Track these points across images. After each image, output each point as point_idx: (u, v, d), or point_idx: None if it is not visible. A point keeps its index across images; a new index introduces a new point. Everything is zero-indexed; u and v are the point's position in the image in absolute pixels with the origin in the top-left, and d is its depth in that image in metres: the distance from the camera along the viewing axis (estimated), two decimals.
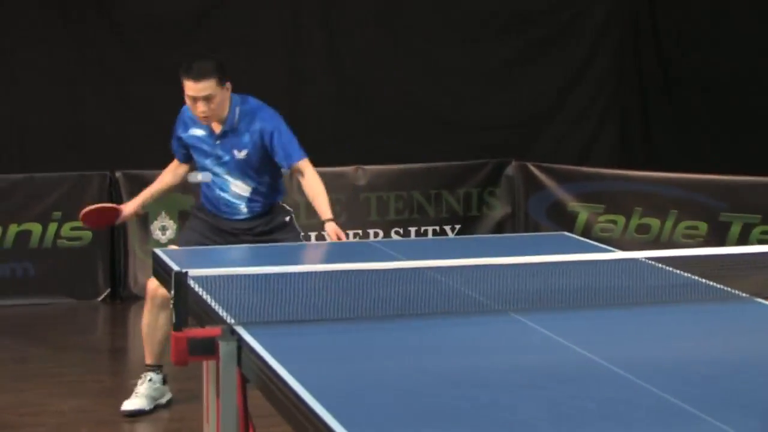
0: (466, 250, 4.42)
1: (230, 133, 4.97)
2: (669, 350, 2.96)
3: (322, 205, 4.86)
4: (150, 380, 5.21)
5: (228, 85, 4.94)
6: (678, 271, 3.66)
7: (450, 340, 3.09)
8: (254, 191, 5.03)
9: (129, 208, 5.33)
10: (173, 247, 5.12)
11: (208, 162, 5.05)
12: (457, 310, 3.30)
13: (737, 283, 3.51)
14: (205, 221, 5.13)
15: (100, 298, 7.40)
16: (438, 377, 2.72)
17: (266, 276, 3.40)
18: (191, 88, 4.88)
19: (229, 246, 4.92)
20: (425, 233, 7.90)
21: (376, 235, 7.75)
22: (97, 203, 5.55)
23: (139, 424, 5.11)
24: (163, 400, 5.26)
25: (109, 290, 7.44)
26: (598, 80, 8.72)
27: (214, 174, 5.06)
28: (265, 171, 5.01)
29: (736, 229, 7.15)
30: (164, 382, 5.25)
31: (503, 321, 3.23)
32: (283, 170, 5.04)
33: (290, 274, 3.49)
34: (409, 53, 8.36)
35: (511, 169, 8.04)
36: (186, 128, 5.10)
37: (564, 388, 2.61)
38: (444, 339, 3.10)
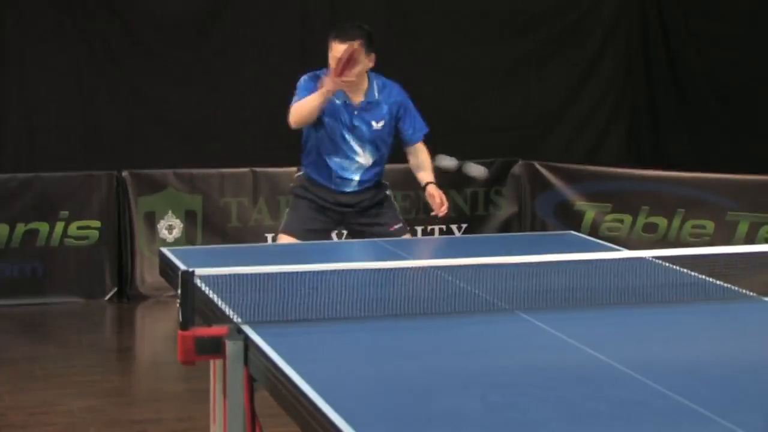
0: (473, 250, 4.42)
1: (371, 104, 5.10)
2: (677, 350, 2.95)
3: (429, 171, 5.22)
4: None
5: (372, 56, 5.05)
6: (685, 271, 3.66)
7: (458, 340, 3.08)
8: (375, 163, 5.19)
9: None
10: (285, 236, 5.13)
11: (339, 130, 5.09)
12: (465, 309, 3.30)
13: (745, 283, 3.51)
14: (310, 201, 5.17)
15: (107, 298, 7.41)
16: (447, 377, 2.71)
17: (273, 275, 3.40)
18: (338, 49, 4.94)
19: (235, 246, 4.93)
20: (432, 232, 7.90)
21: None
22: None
23: (146, 424, 5.12)
24: None
25: (116, 289, 7.44)
26: (607, 80, 8.70)
27: (342, 143, 5.10)
28: (387, 144, 5.21)
29: (743, 228, 7.13)
30: None
31: (511, 320, 3.23)
32: (412, 143, 5.23)
33: (297, 273, 3.49)
34: (417, 53, 8.35)
35: (517, 169, 8.03)
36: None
37: (574, 388, 2.60)
38: (452, 338, 3.10)
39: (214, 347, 3.04)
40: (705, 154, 8.22)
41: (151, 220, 7.51)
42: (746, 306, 3.40)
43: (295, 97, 5.08)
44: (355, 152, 5.12)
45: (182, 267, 3.50)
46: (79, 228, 7.39)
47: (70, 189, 7.38)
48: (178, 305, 3.18)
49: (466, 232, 7.93)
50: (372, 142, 5.13)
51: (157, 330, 7.22)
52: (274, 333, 3.02)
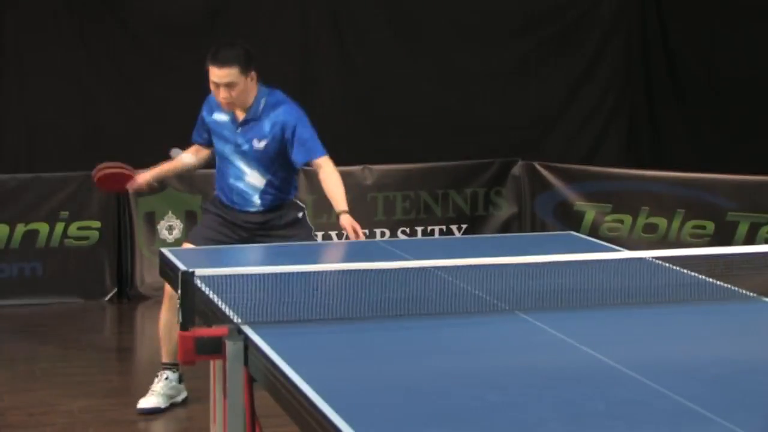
0: (473, 250, 4.42)
1: (252, 122, 4.98)
2: (677, 350, 2.95)
3: (338, 197, 4.83)
4: (166, 378, 5.21)
5: (252, 74, 4.95)
6: (685, 271, 3.66)
7: (457, 340, 3.09)
8: (269, 183, 5.02)
9: (143, 176, 5.31)
10: (187, 244, 5.12)
11: (227, 148, 5.05)
12: (465, 309, 3.30)
13: (744, 283, 3.51)
14: (216, 215, 5.12)
15: (107, 298, 7.41)
16: (446, 377, 2.71)
17: (273, 275, 3.41)
18: (214, 73, 4.90)
19: (236, 246, 4.92)
20: (432, 233, 7.90)
21: (382, 234, 7.75)
22: (112, 167, 5.46)
23: (146, 424, 5.12)
24: (179, 399, 5.25)
25: (116, 290, 7.44)
26: (606, 80, 8.70)
27: (231, 162, 5.05)
28: (281, 165, 5.00)
29: (743, 229, 7.13)
30: (180, 380, 5.25)
31: (510, 321, 3.23)
32: (297, 166, 5.00)
33: (297, 273, 3.49)
34: (417, 53, 8.35)
35: (517, 169, 8.03)
36: (211, 112, 5.11)
37: (573, 388, 2.60)
38: (451, 339, 3.10)
39: (214, 347, 3.04)
40: (705, 155, 8.23)
41: (151, 221, 7.52)
42: (746, 306, 3.40)
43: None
44: (242, 171, 5.02)
45: (182, 267, 3.50)
46: (79, 228, 7.39)
47: (70, 189, 7.38)
48: (178, 305, 3.18)
49: (466, 232, 7.93)
50: (258, 161, 4.96)
51: (157, 330, 7.21)
52: (274, 333, 3.02)
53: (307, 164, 5.00)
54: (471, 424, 2.36)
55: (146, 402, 5.16)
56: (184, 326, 3.10)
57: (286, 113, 4.96)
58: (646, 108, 8.74)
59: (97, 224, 7.40)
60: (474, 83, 8.47)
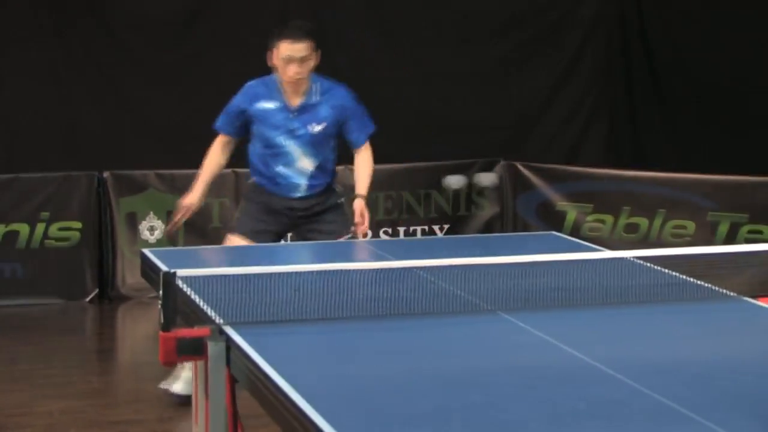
0: (455, 250, 4.43)
1: (309, 106, 5.04)
2: (658, 350, 2.96)
3: (365, 181, 5.08)
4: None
5: (319, 53, 5.02)
6: (666, 271, 3.67)
7: (439, 340, 3.09)
8: (318, 168, 5.11)
9: (191, 198, 5.23)
10: (233, 237, 5.12)
11: (278, 135, 5.06)
12: (446, 309, 3.30)
13: (725, 282, 3.52)
14: (258, 203, 5.16)
15: (88, 299, 7.38)
16: (428, 377, 2.72)
17: (255, 276, 3.40)
18: (288, 48, 4.93)
19: (216, 246, 4.92)
20: (414, 233, 7.90)
21: (365, 235, 7.74)
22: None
23: (127, 425, 5.10)
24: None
25: (97, 291, 7.42)
26: (586, 80, 8.73)
27: (282, 148, 5.07)
28: (330, 148, 5.13)
29: (723, 228, 7.17)
30: None
31: (492, 321, 3.23)
32: (357, 146, 5.14)
33: (279, 274, 3.48)
34: (398, 54, 8.35)
35: (499, 169, 8.05)
36: (254, 101, 5.09)
37: (555, 388, 2.61)
38: (433, 339, 3.10)
39: (195, 348, 3.04)
40: (685, 154, 8.26)
41: (133, 221, 7.49)
42: (726, 306, 3.41)
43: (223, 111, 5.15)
44: (294, 157, 5.08)
45: (164, 268, 3.49)
46: (59, 229, 7.36)
47: (51, 190, 7.35)
48: (159, 306, 3.17)
49: (448, 232, 7.94)
50: (312, 145, 5.07)
51: (139, 331, 7.20)
52: (256, 334, 3.01)
53: (361, 145, 5.14)
54: (453, 424, 2.36)
55: (179, 387, 5.11)
56: (166, 327, 3.09)
57: (344, 96, 5.10)
58: (626, 108, 8.77)
59: (78, 225, 7.38)
60: (455, 83, 8.48)
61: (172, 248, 4.89)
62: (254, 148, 5.17)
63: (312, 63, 4.98)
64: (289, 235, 5.63)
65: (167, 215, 7.54)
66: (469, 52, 8.46)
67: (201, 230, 7.57)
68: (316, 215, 5.14)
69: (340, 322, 3.19)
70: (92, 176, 7.44)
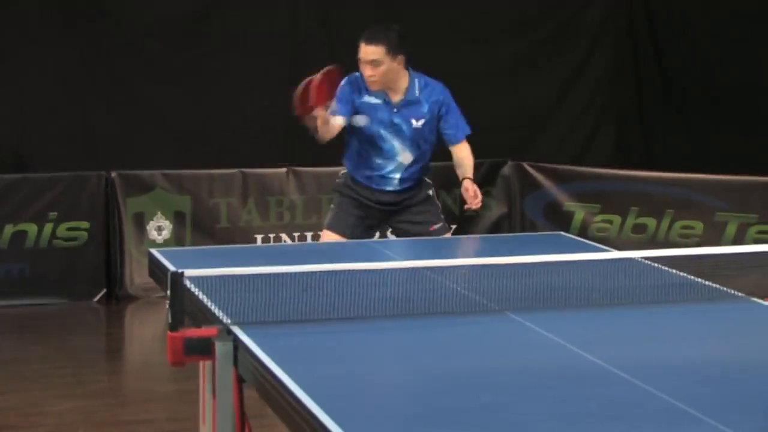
0: (463, 250, 4.42)
1: (411, 102, 5.17)
2: (666, 350, 2.96)
3: (469, 168, 5.27)
4: None
5: (400, 58, 5.12)
6: (674, 271, 3.66)
7: (447, 341, 3.08)
8: (414, 161, 5.23)
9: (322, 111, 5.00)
10: (328, 233, 5.20)
11: (380, 129, 5.16)
12: (454, 310, 3.30)
13: (733, 283, 3.52)
14: (352, 199, 5.23)
15: (96, 299, 7.39)
16: (436, 377, 2.71)
17: (262, 276, 3.40)
18: (361, 49, 5.12)
19: (225, 246, 4.92)
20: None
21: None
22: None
23: (136, 424, 5.11)
24: None
25: (104, 291, 7.43)
26: (596, 81, 8.71)
27: (384, 141, 5.17)
28: (429, 143, 5.26)
29: (732, 229, 7.15)
30: None
31: (500, 321, 3.23)
32: (455, 142, 5.29)
33: (286, 274, 3.48)
34: (407, 54, 8.34)
35: (507, 169, 8.04)
36: (360, 94, 5.18)
37: (564, 388, 2.60)
38: (441, 339, 3.10)
39: (203, 348, 3.04)
40: (694, 155, 8.24)
41: (140, 221, 7.50)
42: (735, 306, 3.41)
43: (332, 105, 5.05)
44: (395, 150, 5.20)
45: (171, 268, 3.49)
46: (67, 229, 7.37)
47: (59, 190, 7.37)
48: (167, 306, 3.18)
49: (455, 232, 7.92)
50: (412, 140, 5.20)
51: (147, 331, 7.21)
52: (263, 334, 3.01)
53: (458, 142, 5.27)
54: (462, 424, 2.36)
55: None
56: (174, 327, 3.09)
57: (441, 92, 5.24)
58: (635, 109, 8.76)
59: (85, 225, 7.39)
60: (464, 84, 8.42)
61: (179, 248, 4.89)
62: (353, 140, 5.24)
63: (385, 67, 5.07)
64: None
65: (175, 215, 7.55)
66: (478, 53, 8.46)
67: (209, 230, 7.58)
68: (407, 208, 5.26)
69: (347, 322, 3.19)
70: (100, 176, 7.45)
